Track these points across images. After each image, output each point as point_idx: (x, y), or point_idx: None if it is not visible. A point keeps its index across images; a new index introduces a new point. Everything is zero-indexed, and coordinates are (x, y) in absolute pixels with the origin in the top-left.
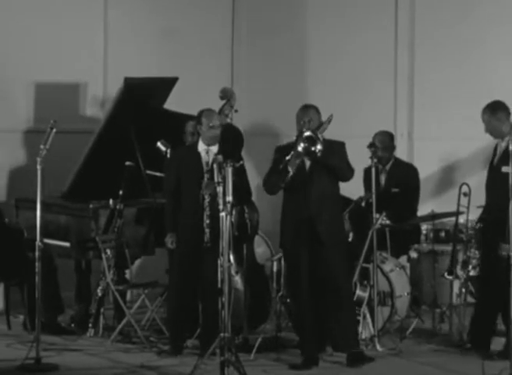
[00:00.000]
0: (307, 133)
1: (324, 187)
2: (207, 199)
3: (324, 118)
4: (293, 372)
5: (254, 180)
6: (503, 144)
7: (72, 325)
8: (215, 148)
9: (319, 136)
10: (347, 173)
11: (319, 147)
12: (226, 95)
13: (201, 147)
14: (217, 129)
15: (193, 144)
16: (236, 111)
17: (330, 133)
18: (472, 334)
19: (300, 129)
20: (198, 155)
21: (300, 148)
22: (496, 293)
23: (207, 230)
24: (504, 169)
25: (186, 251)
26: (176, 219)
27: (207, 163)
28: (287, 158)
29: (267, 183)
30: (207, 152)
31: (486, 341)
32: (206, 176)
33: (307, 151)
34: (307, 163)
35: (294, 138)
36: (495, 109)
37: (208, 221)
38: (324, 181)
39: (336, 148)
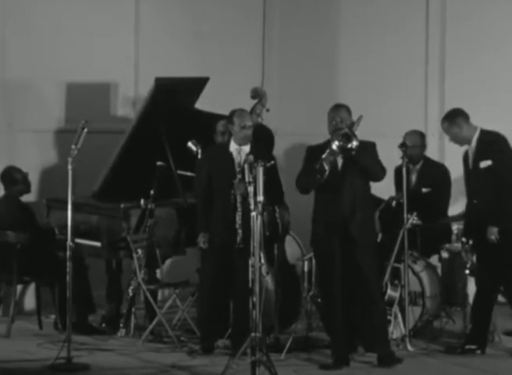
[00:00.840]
0: (343, 131)
1: (356, 186)
2: (239, 199)
3: (354, 118)
4: (324, 372)
5: (285, 179)
6: (473, 145)
7: (103, 325)
8: (246, 148)
9: (355, 133)
10: (379, 173)
11: (355, 143)
12: (258, 95)
13: (233, 147)
14: (249, 129)
15: (225, 143)
16: (267, 110)
17: (360, 132)
18: (472, 335)
19: (333, 128)
20: (230, 154)
21: (334, 146)
22: (490, 304)
23: (239, 231)
24: (483, 164)
25: (218, 251)
26: (208, 218)
27: (239, 163)
28: (323, 156)
29: (300, 182)
30: (239, 152)
31: (484, 341)
32: (238, 176)
33: (343, 149)
34: (340, 162)
35: (328, 137)
36: (452, 116)
37: (240, 222)
38: (356, 181)
39: (367, 148)
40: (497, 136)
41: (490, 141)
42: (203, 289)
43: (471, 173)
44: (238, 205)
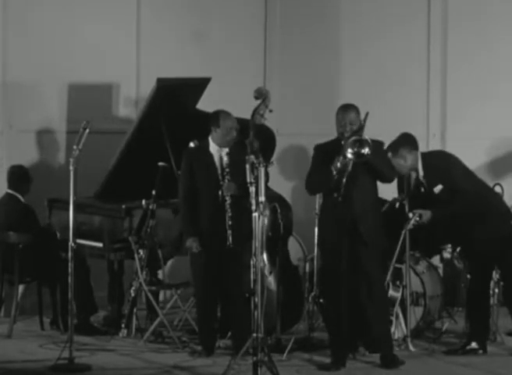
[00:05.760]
0: (355, 138)
1: (366, 188)
2: (228, 201)
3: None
4: (324, 372)
5: (290, 179)
6: (421, 173)
7: (105, 325)
8: (226, 149)
9: (367, 138)
10: (390, 175)
11: (367, 150)
12: (261, 95)
13: (213, 148)
14: (235, 131)
15: (204, 145)
16: (270, 111)
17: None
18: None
19: (342, 131)
20: (211, 156)
21: (349, 154)
22: (485, 301)
23: (229, 232)
24: (436, 190)
25: (208, 253)
26: (194, 222)
27: (227, 164)
28: (337, 164)
29: (309, 184)
30: (224, 153)
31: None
32: (227, 177)
33: (358, 155)
34: (350, 164)
35: (335, 138)
36: (395, 147)
37: (230, 222)
38: (366, 182)
39: (376, 148)
40: (439, 156)
41: (435, 165)
42: (197, 292)
43: (428, 195)
44: (227, 206)
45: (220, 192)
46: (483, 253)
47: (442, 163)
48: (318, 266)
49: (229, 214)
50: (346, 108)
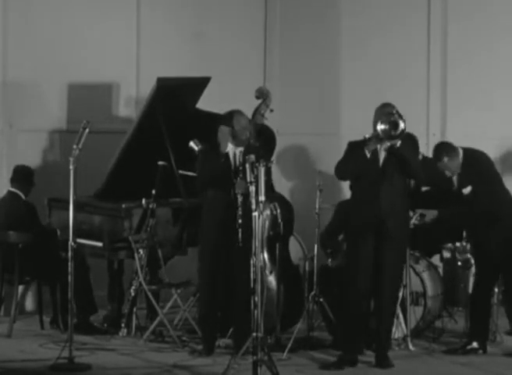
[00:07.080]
0: (392, 118)
1: (396, 183)
2: (239, 199)
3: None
4: (325, 372)
5: (290, 179)
6: (454, 178)
7: (105, 325)
8: (241, 148)
9: (403, 118)
10: (420, 172)
11: (402, 126)
12: (263, 95)
13: (229, 147)
14: (248, 130)
15: (217, 143)
16: (271, 111)
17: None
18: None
19: (383, 114)
20: (226, 155)
21: (379, 128)
22: (488, 300)
23: (239, 230)
24: (465, 191)
25: (216, 251)
26: None
27: (241, 163)
28: (367, 136)
29: (339, 169)
30: (238, 151)
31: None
32: (239, 175)
33: (387, 135)
34: (382, 157)
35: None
36: (451, 148)
37: (240, 221)
38: (396, 177)
39: (407, 142)
40: (476, 156)
41: (471, 164)
42: (202, 289)
43: (457, 193)
44: (239, 204)
45: (232, 190)
46: (491, 254)
47: (475, 163)
48: (319, 265)
49: (240, 212)
50: (385, 104)
